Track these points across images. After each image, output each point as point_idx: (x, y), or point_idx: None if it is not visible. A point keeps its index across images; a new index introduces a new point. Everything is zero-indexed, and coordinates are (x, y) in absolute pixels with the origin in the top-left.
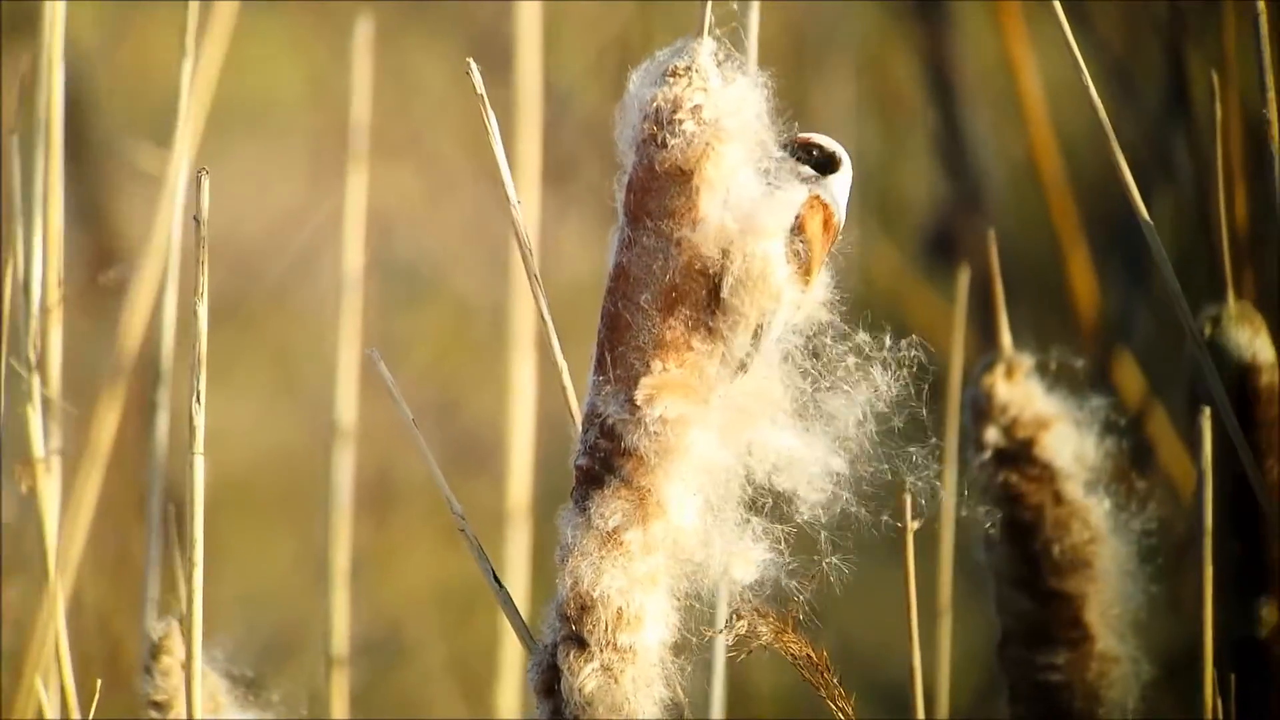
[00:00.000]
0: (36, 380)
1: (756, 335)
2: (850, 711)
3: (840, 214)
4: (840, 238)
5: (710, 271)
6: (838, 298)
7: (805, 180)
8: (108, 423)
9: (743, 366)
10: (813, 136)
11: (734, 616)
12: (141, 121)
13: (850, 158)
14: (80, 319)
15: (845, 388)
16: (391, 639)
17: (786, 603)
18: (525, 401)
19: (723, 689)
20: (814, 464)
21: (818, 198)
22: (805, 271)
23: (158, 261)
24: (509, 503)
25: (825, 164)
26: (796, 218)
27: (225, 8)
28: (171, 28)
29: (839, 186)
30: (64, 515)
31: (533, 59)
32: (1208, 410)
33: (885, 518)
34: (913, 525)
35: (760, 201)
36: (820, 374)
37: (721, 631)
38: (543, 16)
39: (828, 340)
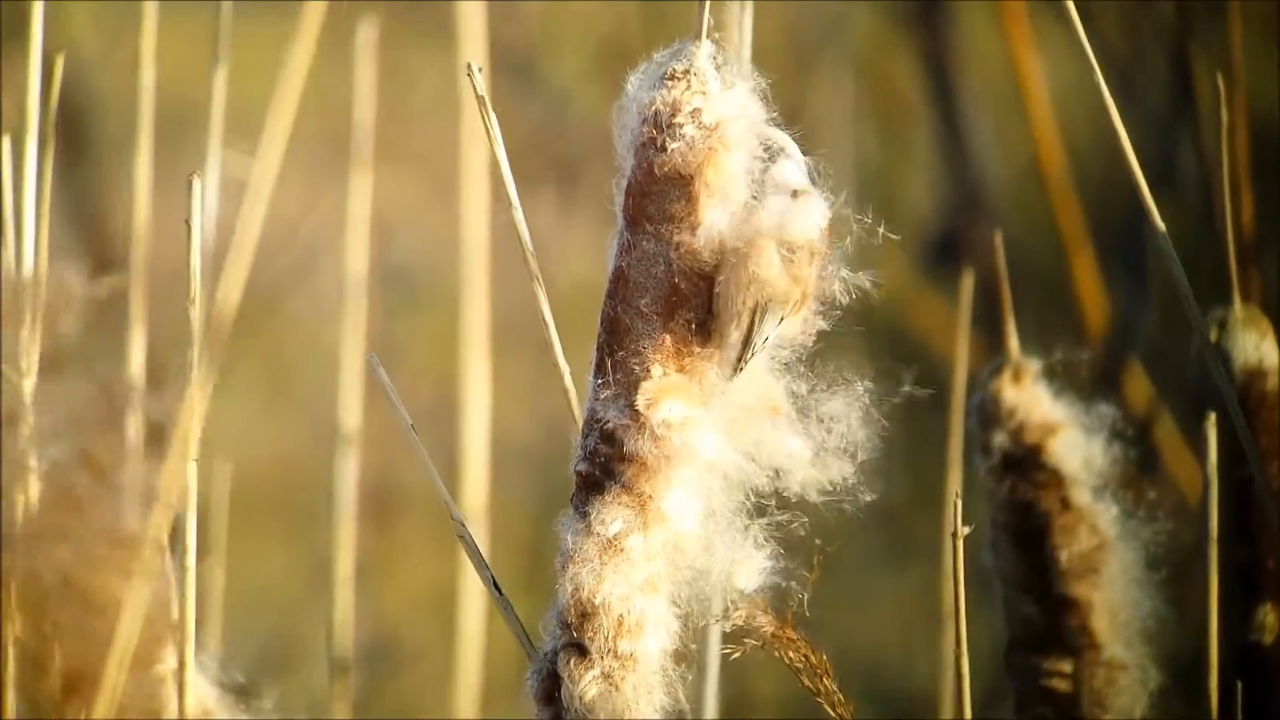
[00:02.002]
0: (27, 388)
1: (751, 332)
2: (849, 717)
3: (821, 202)
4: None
5: (710, 276)
6: (840, 303)
7: (782, 182)
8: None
9: (738, 366)
10: (770, 133)
11: (733, 606)
12: (140, 125)
13: (802, 151)
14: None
15: (846, 390)
16: (392, 645)
17: (785, 605)
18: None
19: (716, 691)
20: (815, 466)
21: (809, 199)
22: (805, 275)
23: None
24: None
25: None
26: (788, 223)
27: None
28: (174, 31)
29: (799, 172)
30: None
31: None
32: (1213, 416)
33: (856, 512)
34: (963, 531)
35: (756, 207)
36: (820, 376)
37: (719, 620)
38: (542, 15)
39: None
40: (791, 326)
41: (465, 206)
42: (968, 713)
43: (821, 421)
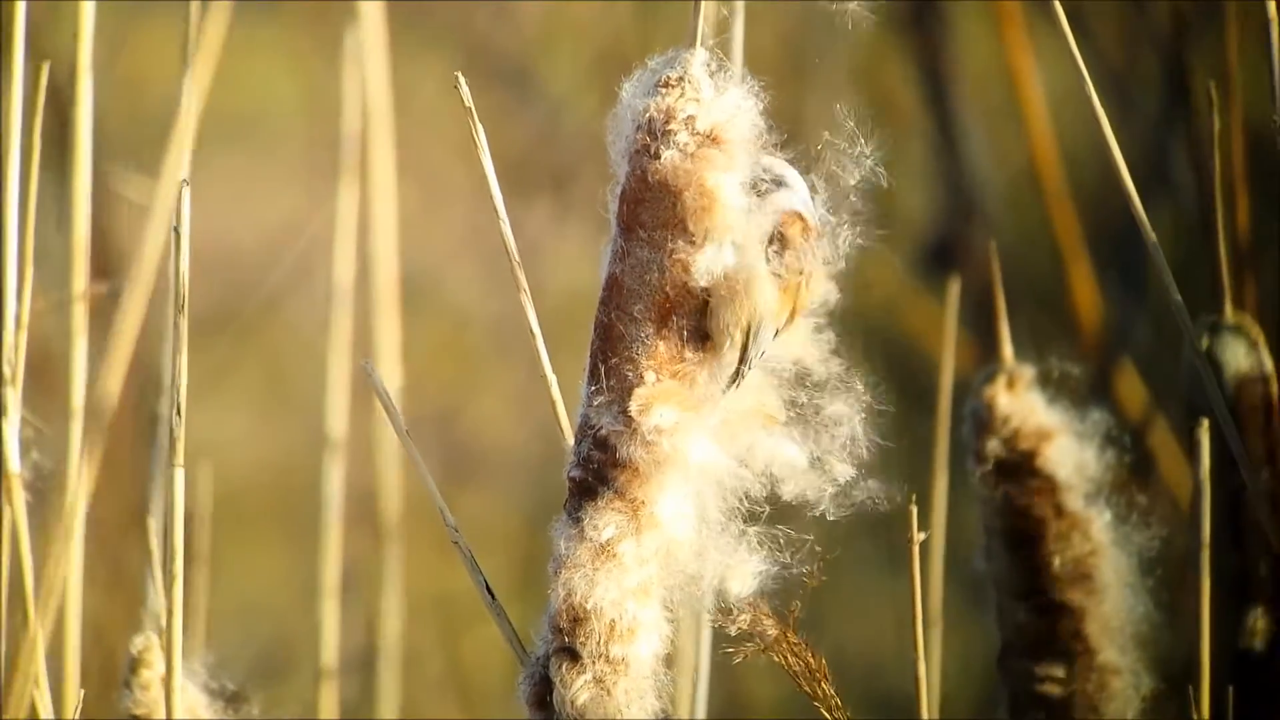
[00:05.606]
0: (11, 394)
1: (746, 349)
2: None
3: (816, 223)
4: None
5: (703, 283)
6: (835, 308)
7: (774, 192)
8: (101, 437)
9: (735, 381)
10: (766, 161)
11: (738, 610)
12: (136, 133)
13: (802, 179)
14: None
15: (840, 396)
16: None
17: (783, 611)
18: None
19: (706, 693)
20: (809, 473)
21: (796, 211)
22: (793, 286)
23: (151, 273)
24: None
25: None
26: (777, 230)
27: (219, 14)
28: (168, 39)
29: (804, 200)
30: (56, 531)
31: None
32: (1206, 422)
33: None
34: (919, 537)
35: (748, 214)
36: (814, 384)
37: (723, 622)
38: (538, 22)
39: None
40: (795, 339)
41: (459, 214)
42: (935, 713)
43: (820, 427)
